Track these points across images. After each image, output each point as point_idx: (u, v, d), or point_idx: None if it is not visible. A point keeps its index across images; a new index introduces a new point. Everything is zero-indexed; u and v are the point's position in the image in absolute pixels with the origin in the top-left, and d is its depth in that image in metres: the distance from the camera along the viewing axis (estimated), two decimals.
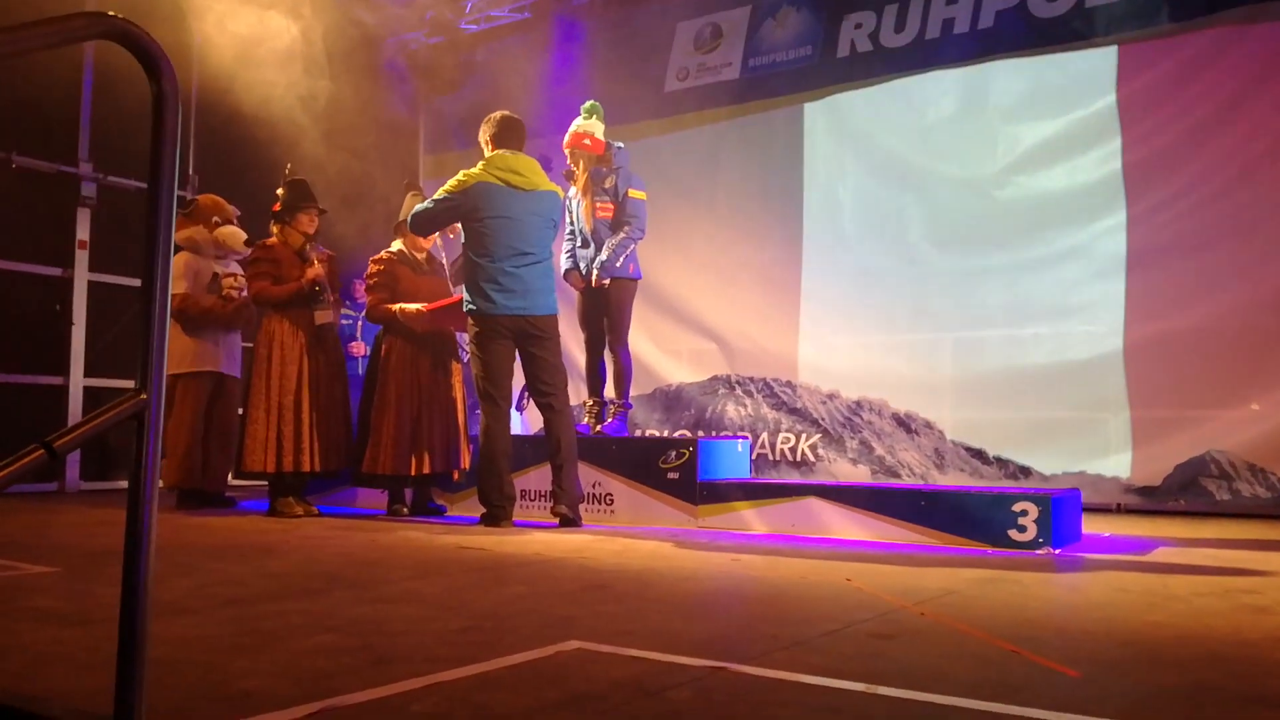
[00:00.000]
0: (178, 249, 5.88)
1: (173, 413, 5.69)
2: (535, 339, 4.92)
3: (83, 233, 7.38)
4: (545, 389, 4.95)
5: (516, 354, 4.99)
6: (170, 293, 1.42)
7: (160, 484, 5.90)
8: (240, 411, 5.67)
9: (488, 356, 4.91)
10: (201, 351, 5.78)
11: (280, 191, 5.65)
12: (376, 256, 5.63)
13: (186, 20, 7.08)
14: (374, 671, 1.91)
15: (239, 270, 5.98)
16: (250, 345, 5.71)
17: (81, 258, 7.37)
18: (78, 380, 7.30)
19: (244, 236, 5.93)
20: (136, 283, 1.40)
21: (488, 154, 5.03)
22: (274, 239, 5.61)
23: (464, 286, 5.02)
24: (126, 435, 1.33)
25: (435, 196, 5.03)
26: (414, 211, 5.13)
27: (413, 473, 5.34)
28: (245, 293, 5.80)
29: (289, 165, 5.78)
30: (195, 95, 7.84)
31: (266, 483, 5.49)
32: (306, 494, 5.57)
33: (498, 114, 5.14)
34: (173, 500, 5.78)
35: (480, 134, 5.12)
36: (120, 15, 1.34)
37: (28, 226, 7.20)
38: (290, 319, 5.44)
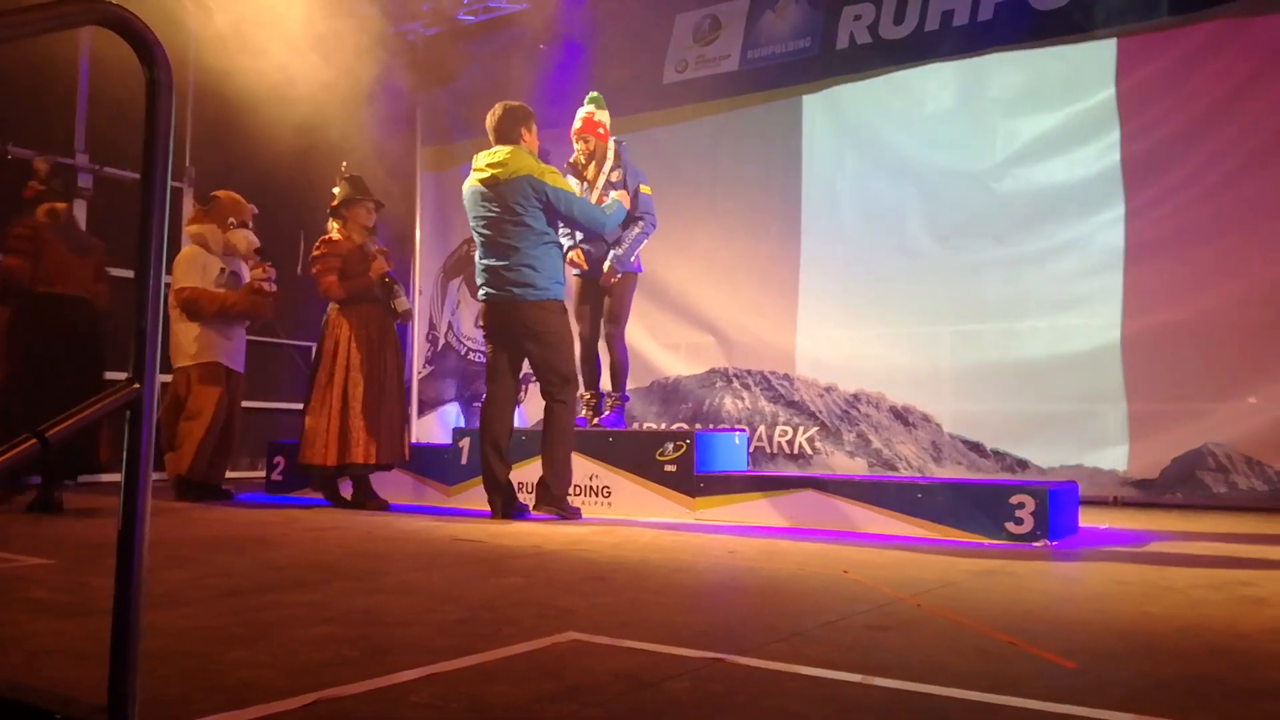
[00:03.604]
0: (188, 242, 5.95)
1: (187, 405, 5.69)
2: (528, 334, 4.89)
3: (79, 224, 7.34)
4: (544, 384, 4.96)
5: (522, 348, 4.97)
6: (163, 284, 1.41)
7: (166, 474, 5.93)
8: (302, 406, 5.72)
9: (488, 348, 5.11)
10: (208, 345, 5.79)
11: (337, 190, 5.73)
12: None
13: (183, 7, 7.04)
14: (371, 662, 1.91)
15: (241, 266, 6.02)
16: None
17: None
18: None
19: (255, 244, 5.96)
20: (132, 274, 1.39)
21: None
22: (335, 234, 5.66)
23: None
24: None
25: None
26: None
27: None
28: (274, 286, 5.93)
29: (344, 163, 5.86)
30: (192, 85, 7.80)
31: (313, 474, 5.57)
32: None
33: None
34: (170, 492, 5.78)
35: None
36: (114, 1, 1.33)
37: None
38: (359, 313, 5.49)
